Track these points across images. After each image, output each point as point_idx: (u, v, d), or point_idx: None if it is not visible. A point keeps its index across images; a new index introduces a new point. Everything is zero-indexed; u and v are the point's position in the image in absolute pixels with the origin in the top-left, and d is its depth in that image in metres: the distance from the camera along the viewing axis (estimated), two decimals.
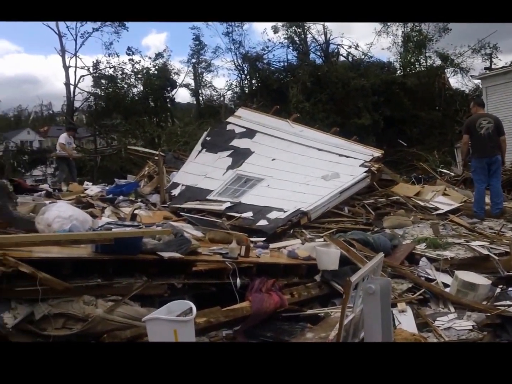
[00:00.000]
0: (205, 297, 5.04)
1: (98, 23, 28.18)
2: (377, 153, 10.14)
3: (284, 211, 8.20)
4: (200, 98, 32.29)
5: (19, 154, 27.34)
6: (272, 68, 29.77)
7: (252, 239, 7.24)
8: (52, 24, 28.37)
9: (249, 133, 11.16)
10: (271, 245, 7.20)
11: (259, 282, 5.37)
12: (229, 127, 11.69)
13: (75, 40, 29.10)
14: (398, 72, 30.38)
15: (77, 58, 29.40)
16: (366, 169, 9.41)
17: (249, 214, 8.37)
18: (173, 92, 30.37)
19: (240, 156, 10.49)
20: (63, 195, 10.12)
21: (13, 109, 55.52)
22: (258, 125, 11.38)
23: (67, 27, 28.51)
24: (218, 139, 11.39)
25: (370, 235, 7.10)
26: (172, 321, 3.74)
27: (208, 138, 11.59)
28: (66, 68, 29.40)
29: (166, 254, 4.87)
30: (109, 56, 28.78)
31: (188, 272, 5.08)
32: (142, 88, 29.09)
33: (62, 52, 29.27)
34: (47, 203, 7.88)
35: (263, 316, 5.07)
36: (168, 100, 30.30)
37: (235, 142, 11.02)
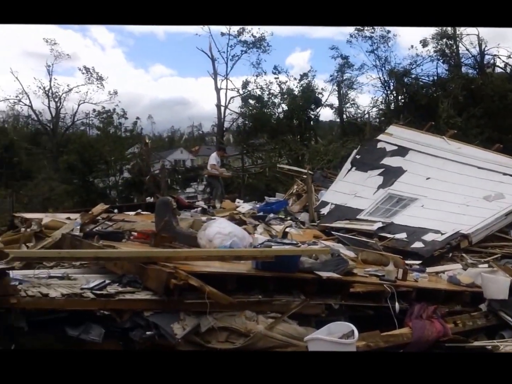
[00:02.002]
0: (362, 320, 4.90)
1: (246, 46, 29.50)
2: None
3: (442, 233, 7.76)
4: (344, 116, 32.09)
5: (174, 172, 29.42)
6: (421, 83, 28.56)
7: (406, 261, 6.94)
8: (206, 48, 30.35)
9: (401, 151, 10.77)
10: (428, 269, 6.85)
11: (420, 308, 5.12)
12: (379, 145, 11.39)
13: (226, 64, 30.81)
14: None
15: (228, 80, 31.04)
16: None
17: (402, 235, 8.05)
18: (317, 110, 30.59)
19: (391, 174, 10.16)
20: (217, 211, 10.61)
21: (167, 130, 60.14)
22: (411, 143, 10.94)
23: (219, 51, 30.32)
24: (368, 157, 11.17)
25: None
26: (334, 343, 3.69)
27: (357, 156, 11.41)
28: (218, 90, 31.18)
29: (324, 274, 4.85)
30: (256, 76, 29.96)
31: (345, 293, 5.00)
32: (287, 107, 29.71)
33: (215, 75, 31.16)
34: (204, 219, 8.36)
35: (424, 344, 4.81)
36: (312, 118, 30.57)
37: (386, 160, 10.70)
